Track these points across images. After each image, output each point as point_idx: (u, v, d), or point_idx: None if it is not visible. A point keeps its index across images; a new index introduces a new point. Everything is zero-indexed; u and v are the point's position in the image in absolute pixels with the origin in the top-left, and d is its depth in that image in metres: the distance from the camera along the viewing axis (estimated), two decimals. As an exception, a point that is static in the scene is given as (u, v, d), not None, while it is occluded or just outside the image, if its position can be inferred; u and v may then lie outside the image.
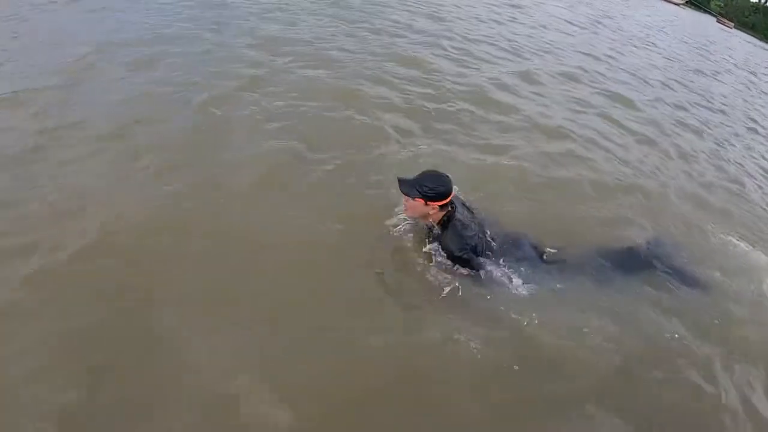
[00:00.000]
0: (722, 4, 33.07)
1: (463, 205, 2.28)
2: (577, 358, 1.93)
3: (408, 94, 4.07)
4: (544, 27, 8.84)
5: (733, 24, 27.42)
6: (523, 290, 2.12)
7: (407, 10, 7.23)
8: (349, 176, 2.75)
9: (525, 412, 1.74)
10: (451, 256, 2.12)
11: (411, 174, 2.15)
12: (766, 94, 9.47)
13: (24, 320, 1.73)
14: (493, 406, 1.73)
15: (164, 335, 1.74)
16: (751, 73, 11.78)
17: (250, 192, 2.53)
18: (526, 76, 5.42)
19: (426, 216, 2.15)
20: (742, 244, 2.98)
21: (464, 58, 5.54)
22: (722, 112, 6.67)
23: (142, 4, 5.37)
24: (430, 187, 2.04)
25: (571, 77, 5.94)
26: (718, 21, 27.59)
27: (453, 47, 5.82)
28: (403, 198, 2.16)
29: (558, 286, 2.20)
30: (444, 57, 5.38)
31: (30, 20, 4.57)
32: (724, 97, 7.68)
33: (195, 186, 2.49)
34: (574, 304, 2.15)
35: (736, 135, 5.77)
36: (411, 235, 2.30)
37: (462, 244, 2.10)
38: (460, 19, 7.59)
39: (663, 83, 7.14)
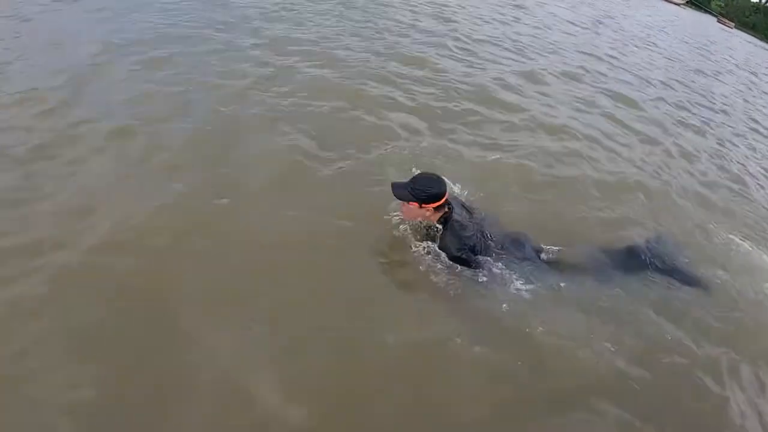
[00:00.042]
0: (723, 4, 33.02)
1: (462, 205, 2.29)
2: (577, 358, 1.93)
3: (413, 94, 4.07)
4: (548, 27, 8.84)
5: (733, 24, 27.38)
6: (523, 290, 2.12)
7: (411, 11, 7.24)
8: (352, 176, 2.75)
9: (525, 412, 1.74)
10: (450, 256, 2.13)
11: (410, 175, 2.15)
12: (767, 94, 9.43)
13: (29, 319, 1.74)
14: (493, 405, 1.73)
15: (164, 335, 1.74)
16: (752, 73, 11.74)
17: (253, 192, 2.53)
18: (531, 76, 5.42)
19: (423, 218, 2.17)
20: (745, 244, 2.97)
21: (469, 58, 5.54)
22: (724, 112, 6.65)
23: (146, 4, 5.36)
24: (423, 189, 2.05)
25: (574, 77, 5.94)
26: (719, 21, 27.55)
27: (458, 47, 5.82)
28: (400, 202, 2.17)
29: (558, 285, 2.19)
30: (449, 57, 5.38)
31: (33, 20, 4.56)
32: (725, 97, 7.66)
33: (198, 186, 2.49)
34: (574, 304, 2.15)
35: (738, 135, 5.76)
36: (411, 235, 2.31)
37: (460, 244, 2.11)
38: (465, 19, 7.59)
39: (664, 83, 7.12)
